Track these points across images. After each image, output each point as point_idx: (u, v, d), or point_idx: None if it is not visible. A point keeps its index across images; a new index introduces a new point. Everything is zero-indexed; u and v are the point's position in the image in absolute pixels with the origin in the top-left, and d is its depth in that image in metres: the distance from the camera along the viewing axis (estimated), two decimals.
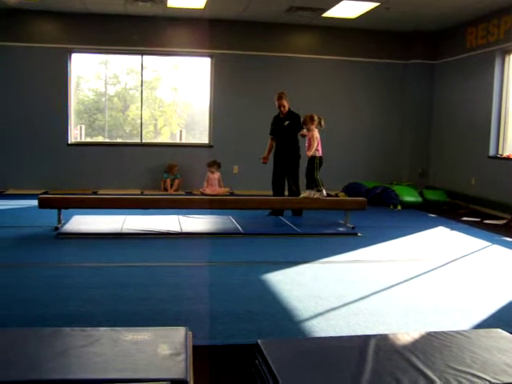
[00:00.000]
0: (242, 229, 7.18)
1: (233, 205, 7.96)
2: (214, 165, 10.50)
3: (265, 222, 7.90)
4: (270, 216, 8.27)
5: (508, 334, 3.17)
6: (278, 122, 8.43)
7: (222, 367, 3.22)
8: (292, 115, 8.28)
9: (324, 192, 7.63)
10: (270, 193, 8.57)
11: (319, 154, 7.62)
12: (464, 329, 3.76)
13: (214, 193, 10.22)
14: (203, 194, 10.13)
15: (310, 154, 7.58)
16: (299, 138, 8.17)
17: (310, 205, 7.80)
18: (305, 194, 7.71)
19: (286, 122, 8.26)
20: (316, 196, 7.60)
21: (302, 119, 7.79)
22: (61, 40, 10.48)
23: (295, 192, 8.23)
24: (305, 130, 7.77)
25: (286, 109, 8.31)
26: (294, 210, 8.32)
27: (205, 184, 10.54)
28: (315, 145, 7.54)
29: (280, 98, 8.29)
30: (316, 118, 7.65)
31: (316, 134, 7.59)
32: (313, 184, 7.62)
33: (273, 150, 8.52)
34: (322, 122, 7.69)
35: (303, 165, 7.93)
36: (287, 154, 8.30)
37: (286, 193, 8.46)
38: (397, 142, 11.76)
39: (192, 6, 9.66)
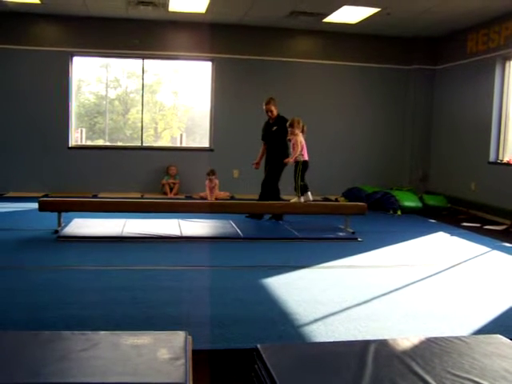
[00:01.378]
0: (242, 233, 7.18)
1: (233, 209, 7.96)
2: (214, 174, 10.48)
3: (265, 227, 7.90)
4: (270, 220, 8.26)
5: (507, 339, 3.17)
6: (267, 127, 8.45)
7: (221, 372, 3.22)
8: (280, 120, 8.25)
9: (302, 199, 7.68)
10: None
11: (303, 158, 7.67)
12: (463, 334, 3.76)
13: (213, 197, 10.23)
14: (203, 199, 10.13)
15: (293, 159, 7.65)
16: (288, 143, 8.21)
17: (311, 209, 7.83)
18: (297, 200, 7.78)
19: (274, 128, 8.27)
20: (293, 200, 7.68)
21: (288, 122, 7.80)
22: (62, 43, 10.50)
23: (262, 196, 8.25)
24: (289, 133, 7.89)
25: (275, 114, 8.30)
26: (253, 214, 8.32)
27: (207, 191, 10.50)
28: (298, 150, 7.59)
29: (268, 103, 8.29)
30: (302, 123, 7.72)
31: (300, 138, 7.64)
32: (295, 188, 7.69)
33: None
34: (305, 129, 7.76)
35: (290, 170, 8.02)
36: (272, 159, 8.32)
37: (291, 198, 8.45)
38: (397, 147, 11.78)
39: (193, 11, 9.68)
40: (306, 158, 7.74)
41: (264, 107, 8.32)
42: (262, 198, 8.27)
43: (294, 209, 7.83)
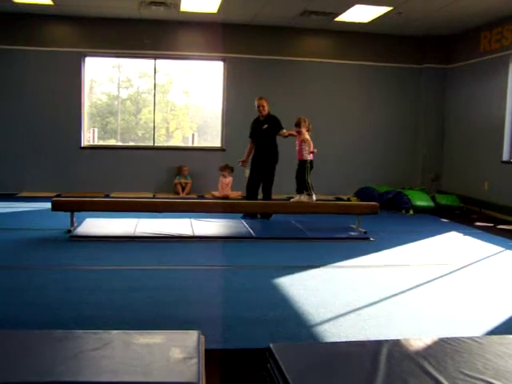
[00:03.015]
0: (254, 233, 7.18)
1: (245, 208, 7.97)
2: (226, 169, 10.52)
3: (276, 226, 7.89)
4: (282, 220, 8.26)
5: None
6: (256, 125, 8.46)
7: (234, 371, 3.23)
8: (271, 119, 8.30)
9: (314, 197, 7.63)
10: (282, 197, 8.58)
11: (310, 157, 7.62)
12: (476, 335, 3.74)
13: (226, 196, 10.26)
14: (215, 198, 10.15)
15: (305, 157, 7.59)
16: (278, 141, 8.22)
17: (323, 209, 7.82)
18: (295, 198, 7.73)
19: (265, 126, 8.29)
20: (306, 200, 7.61)
21: (295, 121, 7.78)
22: (75, 44, 10.55)
23: (266, 197, 8.27)
24: (284, 131, 8.00)
25: (266, 111, 8.32)
26: (263, 214, 8.33)
27: (219, 189, 10.55)
28: (311, 146, 7.55)
29: (261, 98, 8.34)
30: (307, 121, 7.68)
31: (307, 136, 7.60)
32: (303, 188, 7.64)
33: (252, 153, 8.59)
34: (310, 127, 7.76)
35: (284, 169, 7.98)
36: (264, 158, 8.34)
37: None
38: (409, 146, 11.72)
39: (205, 10, 9.69)
40: (312, 157, 7.69)
41: (256, 102, 8.34)
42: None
43: (305, 208, 7.81)
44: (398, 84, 11.58)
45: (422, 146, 11.62)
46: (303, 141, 7.61)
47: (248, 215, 8.34)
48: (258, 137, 8.40)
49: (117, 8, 9.75)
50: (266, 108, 8.32)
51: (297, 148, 7.75)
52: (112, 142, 12.32)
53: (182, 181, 10.75)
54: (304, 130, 7.62)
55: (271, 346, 2.89)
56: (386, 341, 3.07)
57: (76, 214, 7.17)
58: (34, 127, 10.52)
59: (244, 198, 9.76)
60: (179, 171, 10.80)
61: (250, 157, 8.58)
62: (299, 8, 9.42)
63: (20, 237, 6.70)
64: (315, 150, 7.61)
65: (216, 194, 10.48)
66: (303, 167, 7.65)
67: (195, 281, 5.05)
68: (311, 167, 7.67)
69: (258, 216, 8.39)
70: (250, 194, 8.47)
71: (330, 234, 7.36)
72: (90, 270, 5.31)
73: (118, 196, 9.92)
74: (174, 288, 4.76)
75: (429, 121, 11.54)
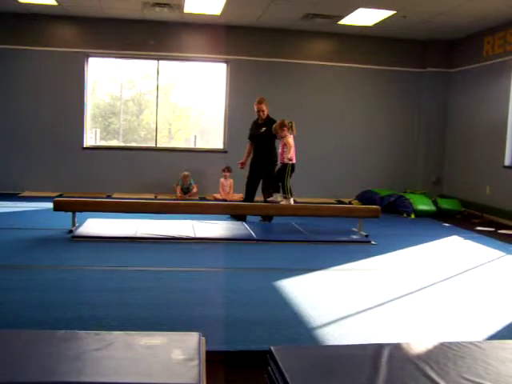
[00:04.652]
0: (256, 235, 7.17)
1: (246, 211, 7.97)
2: (229, 171, 10.51)
3: (278, 229, 7.88)
4: (284, 223, 8.25)
5: None
6: (255, 127, 8.48)
7: (234, 373, 3.22)
8: (270, 122, 8.26)
9: (291, 200, 7.59)
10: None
11: (292, 161, 7.58)
12: (478, 339, 3.73)
13: (228, 198, 10.26)
14: (216, 200, 10.16)
15: (286, 161, 7.55)
16: (276, 144, 8.20)
17: (325, 212, 7.82)
18: (271, 197, 7.70)
19: (263, 129, 8.30)
20: (282, 202, 7.60)
21: (273, 127, 7.74)
22: (78, 44, 10.56)
23: (266, 199, 8.25)
24: None
25: (265, 114, 8.34)
26: (264, 216, 8.34)
27: (220, 190, 10.55)
28: (292, 151, 7.51)
29: (260, 102, 8.34)
30: (287, 123, 7.61)
31: (290, 140, 7.55)
32: (281, 190, 7.62)
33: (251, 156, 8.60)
34: (293, 127, 7.64)
35: None
36: (262, 161, 8.37)
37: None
38: (411, 150, 11.72)
39: (208, 13, 9.70)
40: (294, 160, 7.65)
41: (256, 106, 8.34)
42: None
43: (307, 211, 7.81)
44: (401, 88, 11.58)
45: (423, 150, 11.62)
46: (285, 144, 7.59)
47: (234, 216, 8.34)
48: (257, 139, 8.42)
49: (120, 9, 9.76)
50: (266, 112, 8.33)
51: (279, 151, 7.72)
52: (114, 143, 12.29)
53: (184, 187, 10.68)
54: (284, 134, 7.57)
55: (272, 348, 2.89)
56: (387, 344, 3.06)
57: (78, 214, 7.18)
58: (37, 127, 10.54)
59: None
60: (182, 178, 10.68)
61: (249, 159, 8.59)
62: (302, 11, 9.43)
63: (21, 236, 6.70)
64: (293, 160, 7.58)
65: (218, 196, 10.48)
66: (283, 170, 7.62)
67: (196, 282, 5.05)
68: (292, 170, 7.64)
69: (260, 219, 8.40)
70: (248, 196, 8.49)
71: (331, 236, 7.36)
72: (92, 270, 5.31)
73: (119, 197, 9.92)
74: (175, 289, 4.76)
75: (431, 124, 11.54)
